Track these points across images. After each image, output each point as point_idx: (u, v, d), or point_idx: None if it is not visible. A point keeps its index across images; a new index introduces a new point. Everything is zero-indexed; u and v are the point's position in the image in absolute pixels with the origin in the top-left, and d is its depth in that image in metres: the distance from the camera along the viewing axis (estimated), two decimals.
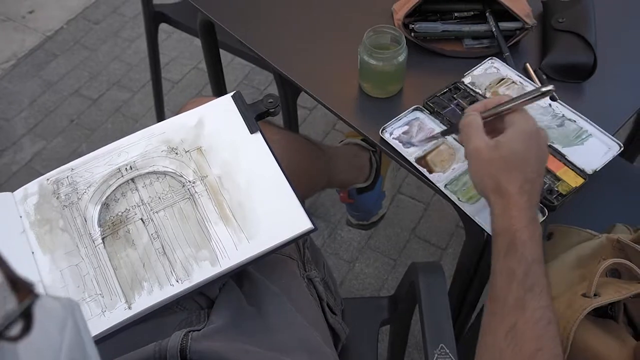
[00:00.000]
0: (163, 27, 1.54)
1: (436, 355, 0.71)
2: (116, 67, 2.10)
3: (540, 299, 0.57)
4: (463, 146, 0.66)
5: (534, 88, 0.78)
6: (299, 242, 0.87)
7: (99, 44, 2.17)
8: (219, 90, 1.32)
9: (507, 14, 0.88)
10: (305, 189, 0.96)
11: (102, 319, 0.67)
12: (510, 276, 0.57)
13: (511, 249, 0.58)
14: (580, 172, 0.74)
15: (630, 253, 0.80)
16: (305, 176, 0.98)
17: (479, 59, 0.88)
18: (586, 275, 0.79)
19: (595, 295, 0.71)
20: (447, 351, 0.72)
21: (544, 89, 0.63)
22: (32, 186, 0.75)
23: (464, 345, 0.89)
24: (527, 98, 0.63)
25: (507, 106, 0.64)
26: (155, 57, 1.60)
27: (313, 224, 0.72)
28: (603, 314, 0.76)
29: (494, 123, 0.65)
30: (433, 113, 0.81)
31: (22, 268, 0.69)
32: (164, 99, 1.80)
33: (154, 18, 1.46)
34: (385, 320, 0.95)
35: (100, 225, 0.72)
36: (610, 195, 1.04)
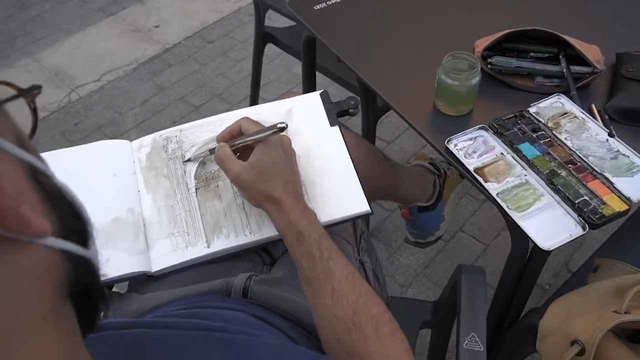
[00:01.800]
0: (267, 52, 1.73)
1: (467, 341, 0.78)
2: (220, 81, 2.33)
3: (339, 261, 0.68)
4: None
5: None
6: (357, 231, 0.97)
7: (209, 60, 2.42)
8: None
9: (579, 59, 0.96)
10: (367, 191, 1.07)
11: (185, 252, 0.80)
12: (311, 257, 0.68)
13: (300, 237, 0.69)
14: (625, 199, 0.80)
15: None
16: (371, 179, 1.08)
17: (547, 94, 0.96)
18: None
19: (625, 312, 0.76)
20: (477, 340, 0.78)
21: (279, 125, 0.73)
22: (147, 139, 0.91)
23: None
24: (268, 133, 0.74)
25: (253, 138, 0.74)
26: (257, 72, 1.79)
27: (371, 208, 0.83)
28: (632, 339, 0.80)
29: (246, 149, 0.76)
30: (496, 133, 0.90)
31: (129, 200, 0.84)
32: None
33: (263, 37, 1.65)
34: (426, 322, 1.02)
35: (195, 178, 0.86)
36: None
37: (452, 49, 1.04)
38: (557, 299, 0.86)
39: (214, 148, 0.81)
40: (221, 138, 0.78)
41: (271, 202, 0.72)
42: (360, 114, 1.40)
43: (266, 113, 0.92)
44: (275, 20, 1.81)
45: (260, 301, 0.78)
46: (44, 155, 0.89)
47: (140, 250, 0.80)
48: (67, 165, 0.86)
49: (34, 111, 0.38)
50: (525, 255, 0.88)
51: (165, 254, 0.80)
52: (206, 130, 0.91)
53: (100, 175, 0.86)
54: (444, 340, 1.07)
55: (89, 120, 2.18)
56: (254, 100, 1.91)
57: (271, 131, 0.74)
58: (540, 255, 0.85)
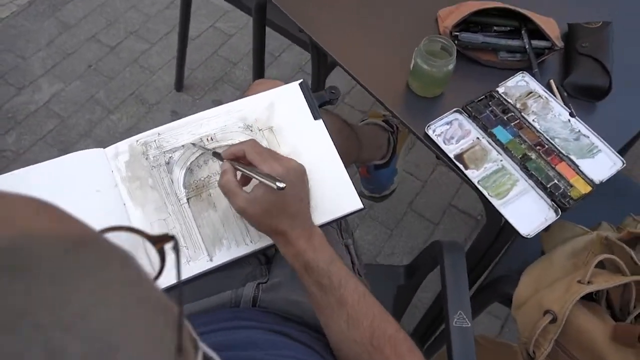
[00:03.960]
0: None
1: (456, 319, 0.86)
2: (133, 16, 2.14)
3: (348, 284, 0.69)
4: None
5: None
6: None
7: None
8: (260, 60, 1.43)
9: (538, 33, 1.00)
10: None
11: (186, 267, 0.79)
12: (321, 287, 0.69)
13: (308, 268, 0.69)
14: (589, 181, 0.89)
15: (615, 249, 0.96)
16: (342, 155, 1.10)
17: (509, 70, 1.00)
18: (578, 264, 0.96)
19: (588, 282, 0.88)
20: (464, 316, 0.87)
21: (279, 185, 0.67)
22: (123, 145, 0.85)
23: None
24: (267, 183, 0.69)
25: (254, 177, 0.71)
26: (186, 16, 1.67)
27: (362, 203, 0.86)
28: (589, 298, 0.92)
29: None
30: (471, 117, 0.94)
31: (117, 217, 0.80)
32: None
33: None
34: (400, 287, 1.10)
35: (185, 187, 0.83)
36: (595, 197, 1.20)
37: (413, 21, 1.04)
38: (526, 270, 0.96)
39: (219, 153, 0.78)
40: (228, 155, 0.75)
41: (276, 234, 0.71)
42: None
43: (247, 110, 0.89)
44: None
45: (269, 308, 0.81)
46: (10, 174, 0.82)
47: None
48: (42, 184, 0.80)
49: (163, 258, 0.37)
50: (498, 228, 0.96)
51: (166, 271, 0.79)
52: (186, 132, 0.87)
53: (83, 194, 0.80)
54: (409, 300, 1.17)
55: None
56: (182, 42, 1.80)
57: (270, 184, 0.69)
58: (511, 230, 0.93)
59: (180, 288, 0.30)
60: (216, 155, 0.80)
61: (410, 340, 0.70)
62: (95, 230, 0.30)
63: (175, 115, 1.88)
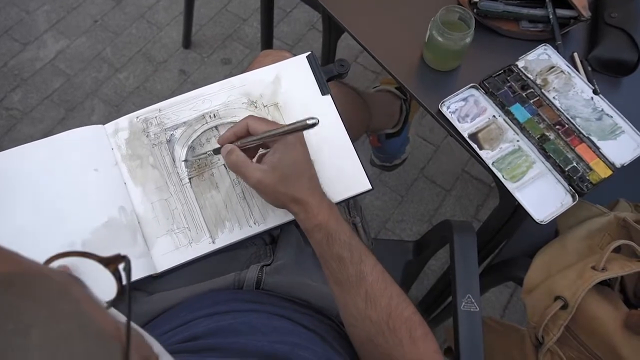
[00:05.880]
0: None
1: (464, 302, 0.85)
2: None
3: (368, 261, 0.67)
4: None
5: (300, 121, 0.67)
6: None
7: None
8: (269, 17, 1.37)
9: (563, 1, 0.94)
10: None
11: (189, 249, 0.78)
12: (341, 260, 0.66)
13: (330, 239, 0.67)
14: (610, 164, 0.84)
15: (632, 232, 0.93)
16: (353, 127, 1.06)
17: (531, 42, 0.95)
18: (593, 247, 0.93)
19: (603, 269, 0.85)
20: (473, 300, 0.85)
21: (310, 122, 0.65)
22: (123, 121, 0.82)
23: None
24: (296, 126, 0.66)
25: (270, 133, 0.68)
26: None
27: (371, 184, 0.82)
28: (602, 282, 0.90)
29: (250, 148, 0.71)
30: (487, 93, 0.89)
31: (117, 197, 0.78)
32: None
33: None
34: (409, 262, 1.08)
35: (187, 167, 0.81)
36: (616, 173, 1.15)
37: None
38: (538, 253, 0.93)
39: (218, 148, 0.75)
40: (225, 139, 0.72)
41: (296, 203, 0.68)
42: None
43: (252, 84, 0.85)
44: None
45: (272, 291, 0.79)
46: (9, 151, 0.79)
47: (141, 253, 0.77)
48: (40, 162, 0.78)
49: (119, 280, 0.36)
50: (511, 210, 0.93)
51: (168, 253, 0.78)
52: (188, 108, 0.83)
53: (81, 172, 0.78)
54: (416, 275, 1.15)
55: None
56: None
57: (301, 126, 0.66)
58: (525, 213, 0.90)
59: (129, 317, 0.29)
60: (217, 151, 0.76)
61: (425, 325, 0.67)
62: (31, 264, 0.28)
63: (183, 75, 1.83)
